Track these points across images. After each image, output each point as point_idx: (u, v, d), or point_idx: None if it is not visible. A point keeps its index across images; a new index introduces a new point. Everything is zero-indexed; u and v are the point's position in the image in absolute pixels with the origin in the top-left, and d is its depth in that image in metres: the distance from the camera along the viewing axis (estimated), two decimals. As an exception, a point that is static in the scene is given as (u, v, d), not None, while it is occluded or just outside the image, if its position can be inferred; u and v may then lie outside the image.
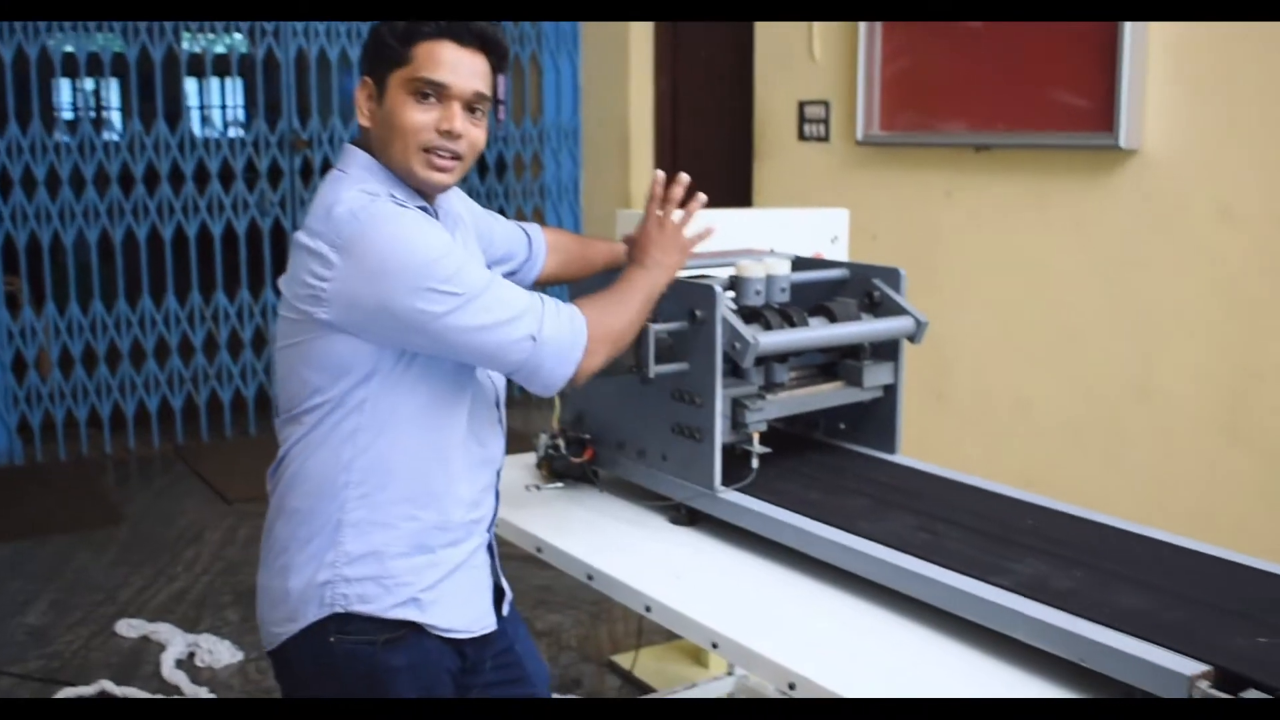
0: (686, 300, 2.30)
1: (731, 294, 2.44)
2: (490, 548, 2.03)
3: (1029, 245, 4.38)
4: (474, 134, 1.86)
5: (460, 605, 1.93)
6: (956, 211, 4.64)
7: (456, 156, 1.85)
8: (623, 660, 3.71)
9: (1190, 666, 1.56)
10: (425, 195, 1.89)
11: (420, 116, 1.82)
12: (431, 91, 1.81)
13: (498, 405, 2.01)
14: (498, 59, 1.88)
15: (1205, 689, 1.53)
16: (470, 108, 1.85)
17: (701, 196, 2.19)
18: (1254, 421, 3.74)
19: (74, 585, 4.44)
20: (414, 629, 1.86)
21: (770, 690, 3.25)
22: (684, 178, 2.17)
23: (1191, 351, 3.89)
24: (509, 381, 2.00)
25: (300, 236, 1.81)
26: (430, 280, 1.73)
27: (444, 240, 1.79)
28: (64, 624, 4.10)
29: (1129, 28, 3.84)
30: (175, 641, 3.87)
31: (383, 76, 1.84)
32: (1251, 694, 1.48)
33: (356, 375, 1.80)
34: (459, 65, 1.82)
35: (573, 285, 2.52)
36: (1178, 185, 3.88)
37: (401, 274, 1.73)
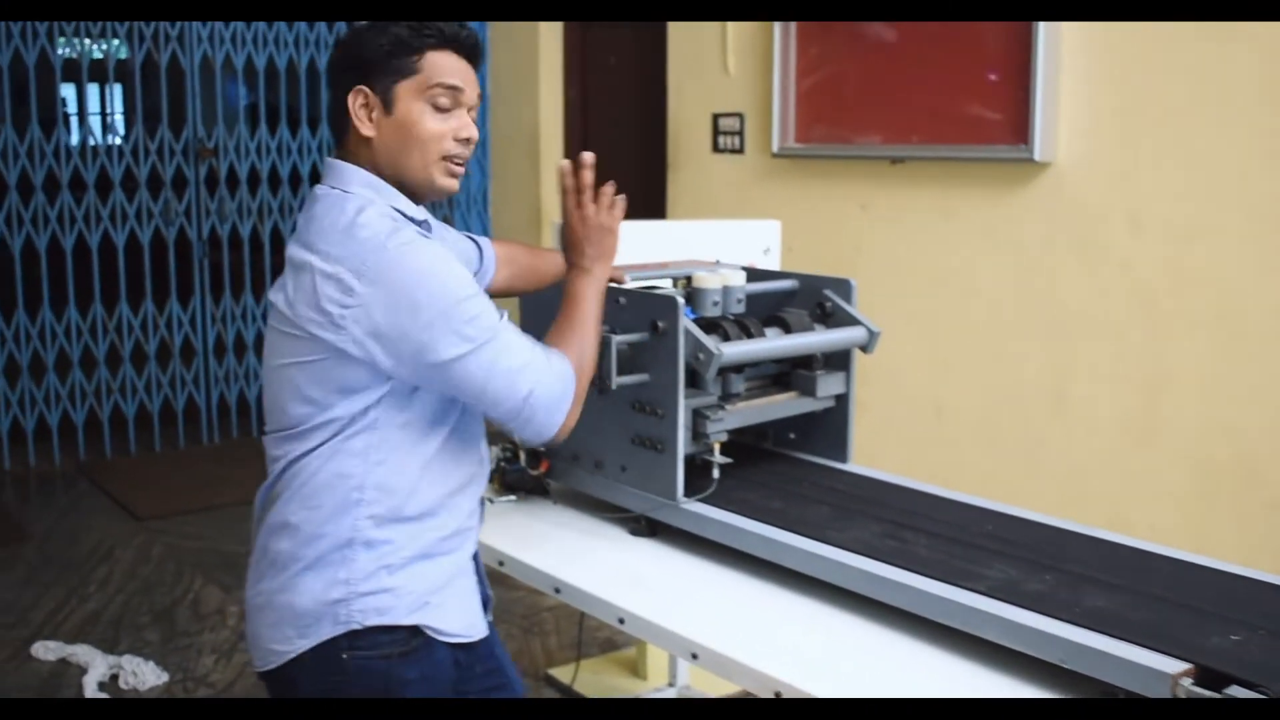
0: (647, 311, 2.31)
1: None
2: (476, 555, 2.03)
3: (944, 256, 4.48)
4: (475, 138, 1.91)
5: (460, 610, 1.93)
6: (872, 223, 4.73)
7: (465, 161, 1.89)
8: (560, 674, 3.70)
9: (1171, 665, 1.62)
10: (418, 204, 1.90)
11: (440, 125, 1.84)
12: (449, 100, 1.84)
13: (483, 418, 2.01)
14: (477, 62, 1.92)
15: (1189, 687, 1.59)
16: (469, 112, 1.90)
17: (610, 186, 2.06)
18: (1164, 424, 3.87)
19: (-18, 607, 4.30)
20: (424, 640, 1.85)
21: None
22: (588, 157, 2.04)
23: (1104, 357, 4.02)
24: None
25: (312, 259, 1.76)
26: (455, 322, 1.74)
27: (468, 279, 1.79)
28: (-25, 648, 3.97)
29: (1042, 42, 3.95)
30: (96, 663, 3.76)
31: (388, 86, 1.83)
32: (1235, 690, 1.54)
33: (370, 396, 1.78)
34: (465, 72, 1.87)
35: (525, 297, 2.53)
36: (1089, 197, 4.01)
37: (428, 312, 1.72)
